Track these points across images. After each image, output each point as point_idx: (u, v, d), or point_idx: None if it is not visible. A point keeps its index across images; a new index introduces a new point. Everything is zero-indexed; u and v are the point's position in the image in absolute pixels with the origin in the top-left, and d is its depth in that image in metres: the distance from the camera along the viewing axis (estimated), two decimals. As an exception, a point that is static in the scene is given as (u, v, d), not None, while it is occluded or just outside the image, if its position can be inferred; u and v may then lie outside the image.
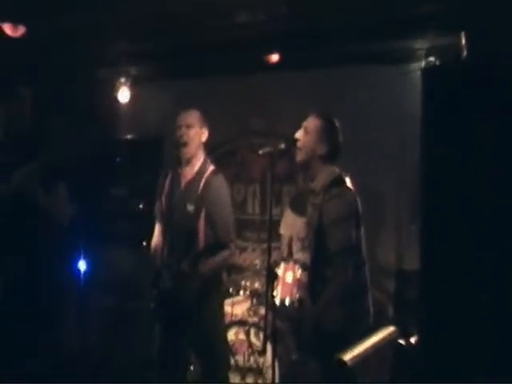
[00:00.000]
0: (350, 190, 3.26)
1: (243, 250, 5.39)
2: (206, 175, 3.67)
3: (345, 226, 3.14)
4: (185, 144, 3.64)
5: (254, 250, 5.24)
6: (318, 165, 3.28)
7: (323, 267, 3.17)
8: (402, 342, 2.54)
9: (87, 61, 5.17)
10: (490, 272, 2.58)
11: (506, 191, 2.63)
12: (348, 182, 3.28)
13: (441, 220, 2.67)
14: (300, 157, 3.32)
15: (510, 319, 2.45)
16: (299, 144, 3.31)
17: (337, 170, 3.29)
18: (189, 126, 3.65)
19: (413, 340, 2.54)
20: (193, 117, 3.70)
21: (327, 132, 3.28)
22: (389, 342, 2.62)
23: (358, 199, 3.25)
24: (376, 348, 2.58)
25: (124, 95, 5.72)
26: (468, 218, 2.70)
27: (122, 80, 5.70)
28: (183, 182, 3.72)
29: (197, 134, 3.67)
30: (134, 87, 5.70)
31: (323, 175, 3.25)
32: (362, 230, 3.26)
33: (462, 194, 2.67)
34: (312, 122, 3.32)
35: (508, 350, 2.36)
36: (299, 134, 3.33)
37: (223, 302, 3.97)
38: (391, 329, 2.70)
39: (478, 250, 2.62)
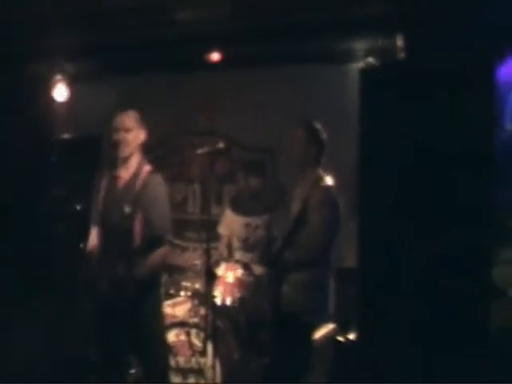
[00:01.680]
0: (333, 186, 3.53)
1: (184, 250, 5.35)
2: (142, 175, 3.64)
3: (330, 210, 3.42)
4: (122, 146, 3.59)
5: (194, 250, 5.21)
6: (308, 168, 3.58)
7: (288, 257, 3.33)
8: (340, 338, 2.58)
9: (22, 56, 5.01)
10: (427, 268, 2.65)
11: (441, 188, 2.71)
12: (328, 180, 3.52)
13: (378, 218, 2.73)
14: (295, 167, 3.62)
15: (445, 316, 2.51)
16: (290, 157, 3.61)
17: (320, 170, 3.57)
18: (127, 130, 3.60)
19: (351, 336, 2.57)
20: (131, 119, 3.64)
21: (310, 137, 3.56)
22: (328, 338, 2.65)
23: (338, 194, 3.51)
24: (316, 345, 2.61)
25: (60, 93, 5.58)
26: (404, 216, 2.76)
27: (58, 77, 5.55)
28: (120, 184, 3.67)
29: (135, 136, 3.63)
30: (70, 85, 5.57)
31: (311, 176, 3.54)
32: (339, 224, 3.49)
33: (398, 191, 2.74)
34: (294, 134, 3.59)
35: (444, 347, 2.43)
36: (285, 146, 3.64)
37: (162, 303, 3.93)
38: (331, 326, 2.73)
39: (414, 246, 2.68)
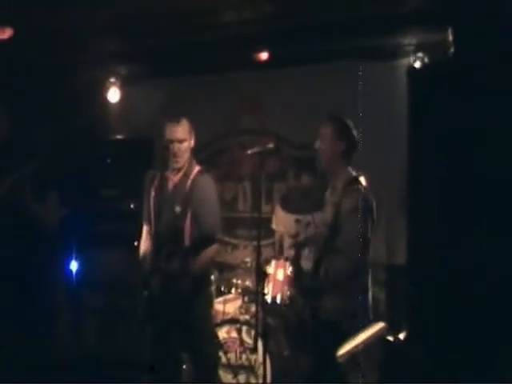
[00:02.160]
0: (366, 188, 3.38)
1: (235, 247, 5.40)
2: (192, 176, 3.71)
3: (362, 216, 3.25)
4: (178, 157, 3.68)
5: (245, 247, 5.25)
6: (338, 166, 3.43)
7: (328, 262, 3.26)
8: (390, 338, 2.56)
9: (77, 61, 5.16)
10: (479, 267, 2.60)
11: (492, 188, 2.65)
12: (363, 181, 3.40)
13: (427, 214, 2.69)
14: (323, 164, 3.47)
15: (498, 317, 2.46)
16: (320, 153, 3.45)
17: (353, 171, 3.43)
18: (181, 141, 3.68)
19: (401, 336, 2.55)
20: (183, 130, 3.70)
21: (341, 132, 3.43)
22: (378, 338, 2.64)
23: (373, 198, 3.37)
24: (366, 344, 2.60)
25: (114, 95, 5.72)
26: (454, 213, 2.72)
27: (112, 80, 5.69)
28: (170, 185, 3.75)
29: (188, 145, 3.72)
30: (123, 87, 5.70)
31: (343, 175, 3.40)
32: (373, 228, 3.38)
33: (448, 191, 2.69)
34: (325, 129, 3.46)
35: (495, 348, 2.38)
36: (317, 144, 3.46)
37: (213, 300, 3.99)
38: (381, 325, 2.72)
39: (464, 246, 2.64)
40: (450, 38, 3.87)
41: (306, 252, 3.86)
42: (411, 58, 4.63)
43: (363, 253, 3.25)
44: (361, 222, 3.24)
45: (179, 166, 3.72)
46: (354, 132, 3.45)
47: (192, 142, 3.76)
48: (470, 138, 2.89)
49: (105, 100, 5.73)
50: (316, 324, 3.20)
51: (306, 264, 3.48)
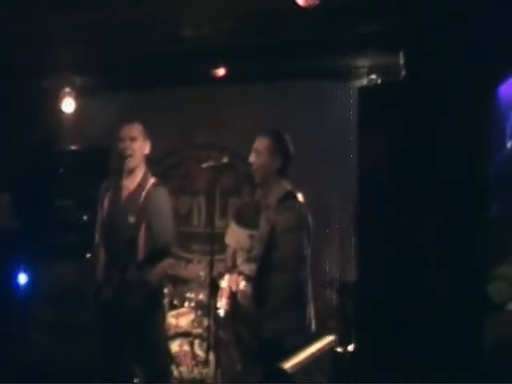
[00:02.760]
0: (302, 203, 3.36)
1: (189, 261, 5.39)
2: (147, 187, 3.71)
3: (298, 235, 3.24)
4: (128, 156, 3.66)
5: (199, 261, 5.25)
6: (273, 180, 3.37)
7: (269, 279, 3.24)
8: (339, 349, 2.62)
9: (32, 69, 5.10)
10: (426, 283, 2.70)
11: (441, 206, 2.76)
12: (299, 196, 3.38)
13: (377, 233, 2.79)
14: (258, 178, 3.42)
15: (443, 329, 2.56)
16: (254, 167, 3.40)
17: (288, 185, 3.38)
18: (132, 139, 3.67)
19: (350, 348, 2.62)
20: (136, 130, 3.72)
21: (278, 147, 3.37)
22: (328, 350, 2.69)
23: (309, 212, 3.34)
24: (315, 356, 2.65)
25: (68, 105, 5.66)
26: (405, 232, 2.82)
27: (67, 90, 5.64)
28: (124, 194, 3.74)
29: (140, 146, 3.71)
30: (78, 97, 5.65)
31: (277, 190, 3.35)
32: (310, 243, 3.34)
33: (398, 209, 2.79)
34: (261, 143, 3.40)
35: (443, 359, 2.48)
36: (252, 158, 3.41)
37: (165, 313, 3.98)
38: (330, 338, 2.78)
39: (413, 261, 2.74)
40: (401, 61, 4.02)
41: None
42: (364, 80, 4.76)
43: (301, 270, 3.23)
44: (296, 240, 3.23)
45: (130, 167, 3.69)
46: (291, 146, 3.40)
47: (146, 148, 3.75)
48: (418, 156, 3.01)
49: (59, 110, 5.67)
50: (264, 339, 3.22)
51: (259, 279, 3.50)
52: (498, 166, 2.90)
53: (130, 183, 3.73)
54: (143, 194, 3.68)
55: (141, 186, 3.72)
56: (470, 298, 2.50)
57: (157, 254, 3.61)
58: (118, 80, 5.62)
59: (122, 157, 3.67)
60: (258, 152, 3.39)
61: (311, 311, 3.31)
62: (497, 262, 2.53)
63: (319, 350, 2.70)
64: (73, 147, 5.91)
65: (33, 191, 5.24)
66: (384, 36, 4.16)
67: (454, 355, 2.41)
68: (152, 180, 3.77)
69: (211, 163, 3.59)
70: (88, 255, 4.64)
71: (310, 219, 3.33)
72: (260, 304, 3.27)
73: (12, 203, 4.50)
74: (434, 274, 2.55)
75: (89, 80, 5.69)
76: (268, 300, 3.21)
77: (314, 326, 3.28)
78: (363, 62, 4.70)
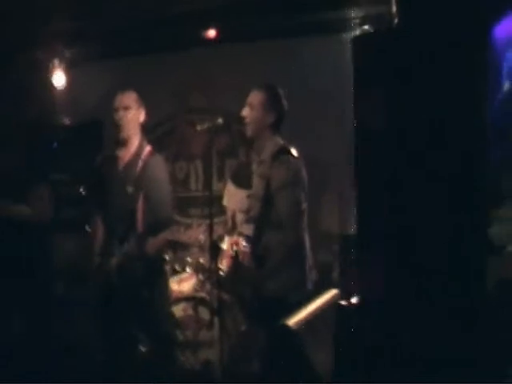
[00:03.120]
0: (296, 157, 3.33)
1: (188, 226, 5.37)
2: (143, 156, 3.68)
3: (293, 190, 3.22)
4: (122, 126, 3.64)
5: (198, 225, 5.24)
6: (266, 135, 3.34)
7: (269, 235, 3.22)
8: (343, 303, 2.60)
9: (20, 42, 5.02)
10: (426, 235, 2.66)
11: (439, 158, 2.71)
12: (293, 151, 3.33)
13: (377, 185, 2.74)
14: (250, 132, 3.38)
15: (446, 280, 2.53)
16: (247, 120, 3.37)
17: (281, 140, 3.35)
18: (126, 108, 3.64)
19: (354, 300, 2.60)
20: (129, 98, 3.68)
21: (272, 101, 3.35)
22: (331, 303, 2.67)
23: (303, 167, 3.31)
24: (319, 310, 2.63)
25: (59, 78, 5.59)
26: (402, 183, 2.77)
27: (56, 62, 5.56)
28: (121, 165, 3.71)
29: (134, 115, 3.67)
30: (68, 69, 5.58)
31: (270, 145, 3.32)
32: (306, 198, 3.32)
33: (396, 162, 2.74)
34: (255, 96, 3.37)
35: (445, 312, 2.45)
36: (245, 111, 3.38)
37: (168, 280, 3.98)
38: (333, 291, 2.76)
39: (413, 213, 2.69)
40: (393, 9, 3.92)
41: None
42: (357, 31, 4.67)
43: (298, 226, 3.22)
44: (292, 196, 3.21)
45: (124, 136, 3.65)
46: (284, 102, 3.37)
47: (141, 116, 3.71)
48: (416, 106, 2.94)
49: (50, 83, 5.60)
50: (267, 298, 3.21)
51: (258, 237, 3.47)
52: (496, 107, 2.84)
53: (125, 153, 3.70)
54: (140, 163, 3.65)
55: (137, 155, 3.69)
56: (470, 242, 2.46)
57: (156, 224, 3.59)
58: (109, 48, 5.54)
59: (117, 127, 3.63)
60: (252, 106, 3.36)
61: (312, 266, 3.30)
62: (495, 205, 2.49)
63: (323, 305, 2.68)
64: (66, 120, 5.85)
65: (28, 165, 5.18)
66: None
67: (457, 302, 2.38)
68: (148, 148, 3.74)
69: (206, 125, 3.54)
70: (87, 229, 4.60)
71: (305, 174, 3.31)
72: (260, 263, 3.25)
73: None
74: (435, 221, 2.51)
75: (78, 50, 5.61)
76: (267, 259, 3.19)
77: (314, 282, 3.27)
78: (355, 13, 4.61)
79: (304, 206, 3.28)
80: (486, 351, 2.32)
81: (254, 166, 3.45)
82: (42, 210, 4.15)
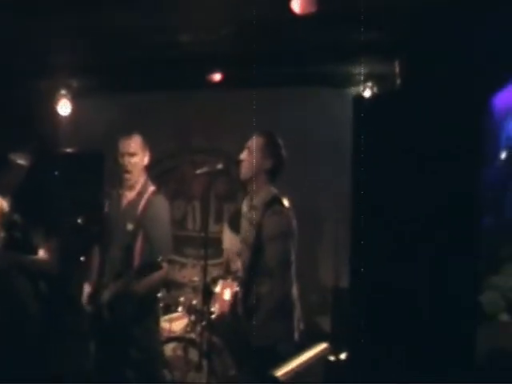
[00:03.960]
0: (288, 208, 3.34)
1: (183, 266, 5.39)
2: (146, 196, 3.73)
3: (283, 241, 3.22)
4: (128, 172, 3.69)
5: (193, 266, 5.25)
6: (261, 182, 3.34)
7: (258, 284, 3.24)
8: (332, 358, 2.63)
9: (28, 71, 5.10)
10: (419, 292, 2.71)
11: (436, 216, 2.77)
12: (285, 201, 3.36)
13: (372, 239, 2.80)
14: (244, 175, 3.39)
15: (438, 337, 2.57)
16: (243, 164, 3.38)
17: (275, 189, 3.36)
18: (132, 154, 3.70)
19: (343, 356, 2.63)
20: (135, 144, 3.73)
21: (270, 148, 3.36)
22: (320, 358, 2.69)
23: (294, 218, 3.33)
24: (308, 364, 2.65)
25: (64, 108, 5.67)
26: (398, 238, 2.83)
27: (63, 92, 5.64)
28: (124, 202, 3.77)
29: (139, 160, 3.73)
30: (75, 100, 5.65)
31: (264, 193, 3.33)
32: (295, 249, 3.34)
33: (390, 215, 2.81)
34: (255, 141, 3.40)
35: (434, 369, 2.49)
36: (243, 155, 3.40)
37: (159, 318, 3.99)
38: (323, 345, 2.78)
39: (405, 269, 2.75)
40: (397, 69, 4.04)
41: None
42: (361, 87, 4.77)
43: (286, 277, 3.22)
44: (283, 246, 3.21)
45: (131, 181, 3.73)
46: (283, 151, 3.38)
47: (145, 159, 3.78)
48: (413, 165, 3.02)
49: (55, 112, 5.67)
50: (256, 347, 3.22)
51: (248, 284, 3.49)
52: (492, 177, 2.91)
53: (129, 191, 3.76)
54: (142, 201, 3.71)
55: (140, 194, 3.75)
56: (463, 308, 2.51)
57: (154, 263, 3.61)
58: (116, 83, 5.62)
59: (122, 171, 3.70)
60: (251, 150, 3.38)
61: (300, 318, 3.31)
62: (490, 273, 2.54)
63: (312, 358, 2.70)
64: (69, 150, 5.89)
65: (28, 193, 5.20)
66: (381, 44, 4.17)
67: (448, 365, 2.42)
68: (152, 188, 3.79)
69: (206, 169, 3.59)
70: (82, 259, 4.61)
71: (295, 225, 3.31)
72: (250, 312, 3.27)
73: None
74: (428, 284, 2.56)
75: (86, 82, 5.70)
76: (257, 307, 3.21)
77: (302, 333, 3.27)
78: (360, 70, 4.71)
79: (293, 257, 3.29)
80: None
81: (245, 210, 3.47)
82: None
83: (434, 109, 3.16)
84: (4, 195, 3.66)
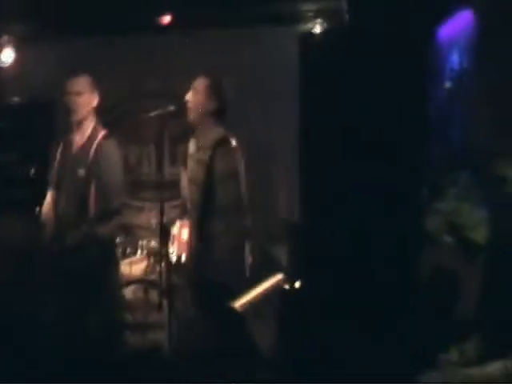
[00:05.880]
0: (236, 148, 3.40)
1: (140, 210, 5.38)
2: (97, 140, 3.70)
3: (233, 182, 3.31)
4: (74, 111, 3.64)
5: (150, 209, 5.26)
6: (207, 123, 3.41)
7: (212, 223, 3.30)
8: (287, 287, 2.72)
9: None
10: (368, 220, 2.81)
11: (381, 147, 2.85)
12: (233, 141, 3.41)
13: (320, 171, 2.87)
14: (192, 116, 3.44)
15: (383, 265, 2.68)
16: (190, 104, 3.43)
17: (223, 130, 3.42)
18: (78, 93, 3.65)
19: (297, 285, 2.72)
20: (82, 83, 3.68)
21: (215, 89, 3.42)
22: (276, 288, 2.79)
23: (242, 157, 3.40)
24: (264, 294, 2.75)
25: (8, 56, 5.49)
26: (345, 167, 2.91)
27: (5, 39, 5.45)
28: (74, 148, 3.73)
29: (87, 100, 3.69)
30: (18, 47, 5.48)
31: (212, 134, 3.39)
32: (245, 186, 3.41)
33: (339, 156, 2.88)
34: (201, 82, 3.45)
35: (383, 294, 2.60)
36: (189, 95, 3.44)
37: (119, 263, 4.03)
38: (278, 276, 2.88)
39: (355, 200, 2.84)
40: (345, 5, 4.04)
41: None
42: (309, 25, 4.75)
43: (241, 215, 3.31)
44: (234, 186, 3.30)
45: (75, 120, 3.66)
46: (229, 92, 3.45)
47: (94, 101, 3.72)
48: (360, 99, 3.08)
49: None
50: (213, 283, 3.31)
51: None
52: (437, 108, 2.99)
53: (79, 137, 3.73)
54: (93, 147, 3.67)
55: (90, 139, 3.71)
56: (410, 232, 2.62)
57: (107, 209, 3.62)
58: (62, 28, 5.45)
59: (68, 111, 3.65)
60: (196, 91, 3.44)
61: (255, 253, 3.40)
62: (435, 198, 2.64)
63: (267, 289, 2.79)
64: (15, 100, 5.75)
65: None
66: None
67: (397, 284, 2.55)
68: (102, 132, 3.75)
69: (158, 112, 3.59)
70: (36, 211, 4.57)
71: (243, 163, 3.39)
72: (204, 250, 3.34)
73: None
74: (376, 211, 2.66)
75: (30, 28, 5.51)
76: (212, 245, 3.29)
77: (257, 268, 3.36)
78: (309, 7, 4.69)
79: (245, 195, 3.36)
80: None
81: (192, 150, 3.51)
82: None
83: (380, 43, 3.20)
84: None
